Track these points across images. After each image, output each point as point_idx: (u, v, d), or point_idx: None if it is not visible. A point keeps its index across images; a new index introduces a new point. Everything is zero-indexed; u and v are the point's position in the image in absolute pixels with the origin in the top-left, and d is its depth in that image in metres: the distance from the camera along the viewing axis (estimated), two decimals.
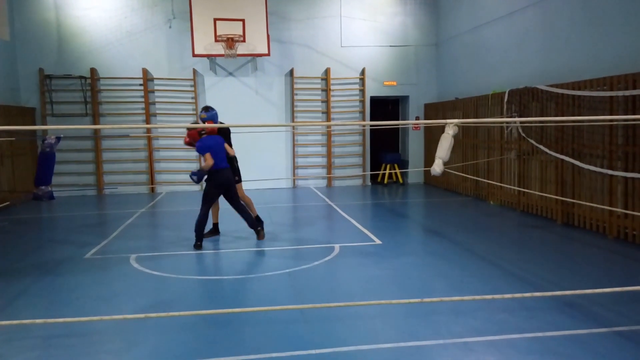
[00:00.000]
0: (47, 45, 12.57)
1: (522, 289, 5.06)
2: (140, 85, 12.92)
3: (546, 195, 8.04)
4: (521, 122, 9.00)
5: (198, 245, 6.98)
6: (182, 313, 4.30)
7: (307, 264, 6.13)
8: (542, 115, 8.64)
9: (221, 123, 7.72)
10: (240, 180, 7.60)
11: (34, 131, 11.83)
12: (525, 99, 9.08)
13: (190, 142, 7.17)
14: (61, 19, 12.61)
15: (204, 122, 7.32)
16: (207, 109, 7.31)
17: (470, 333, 4.02)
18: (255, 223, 7.32)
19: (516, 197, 9.56)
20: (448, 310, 4.48)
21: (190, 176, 6.96)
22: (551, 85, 8.33)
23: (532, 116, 8.88)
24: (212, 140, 7.05)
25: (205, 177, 7.03)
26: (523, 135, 9.07)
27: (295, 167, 13.73)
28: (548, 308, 4.49)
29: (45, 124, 12.40)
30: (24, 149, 11.90)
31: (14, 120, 11.31)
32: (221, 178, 6.97)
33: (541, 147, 8.52)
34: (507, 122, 9.43)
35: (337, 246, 6.90)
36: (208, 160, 6.87)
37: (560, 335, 3.95)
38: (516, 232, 7.96)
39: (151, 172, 13.08)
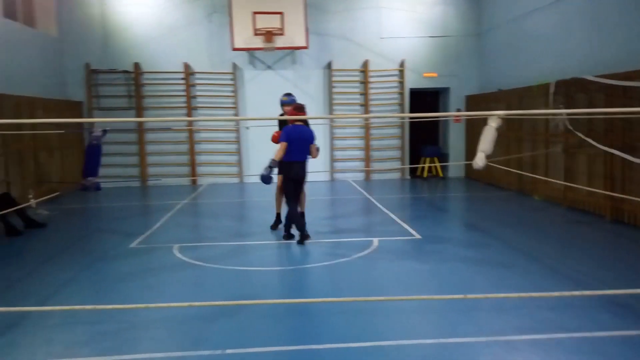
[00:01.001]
0: (92, 41, 12.96)
1: (567, 286, 4.90)
2: (182, 79, 13.16)
3: (594, 190, 7.73)
4: (568, 115, 8.68)
5: (289, 236, 6.85)
6: (223, 303, 4.37)
7: (346, 257, 6.12)
8: (590, 107, 8.31)
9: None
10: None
11: (82, 124, 12.23)
12: (572, 90, 8.75)
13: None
14: (106, 14, 12.96)
15: (282, 106, 7.25)
16: (289, 94, 7.35)
17: (513, 331, 3.93)
18: (289, 229, 6.93)
19: (562, 192, 9.26)
20: (489, 307, 4.39)
21: (261, 178, 6.47)
22: (600, 76, 7.99)
23: (579, 108, 8.56)
24: (297, 131, 6.64)
25: (273, 171, 6.50)
26: (570, 128, 8.75)
27: (333, 160, 13.71)
28: (595, 307, 4.33)
29: (92, 118, 12.81)
30: (72, 141, 12.33)
31: (63, 113, 11.74)
32: (291, 171, 6.65)
33: (589, 140, 8.20)
34: (553, 115, 9.12)
35: (375, 240, 6.86)
36: (279, 151, 6.45)
37: (610, 336, 3.81)
38: (562, 229, 7.72)
39: (192, 165, 13.33)
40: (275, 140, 7.27)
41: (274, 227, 7.59)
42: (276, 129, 7.50)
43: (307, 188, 7.68)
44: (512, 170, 9.97)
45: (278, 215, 7.66)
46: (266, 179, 6.41)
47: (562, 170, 9.22)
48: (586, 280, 5.10)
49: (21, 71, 10.53)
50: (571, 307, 4.35)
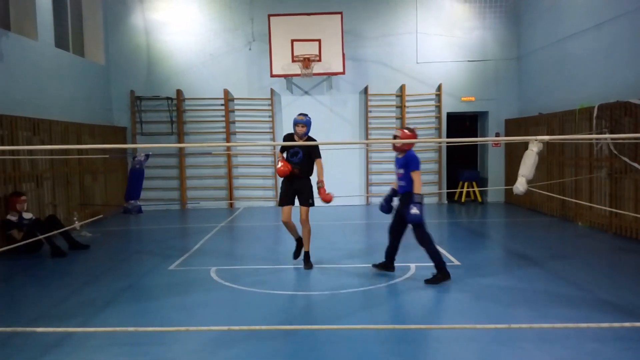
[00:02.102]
0: (138, 69, 13.47)
1: (616, 317, 4.67)
2: (222, 105, 13.47)
3: None
4: (612, 139, 8.43)
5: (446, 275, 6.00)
6: (261, 327, 4.37)
7: (383, 282, 6.04)
8: (636, 131, 8.05)
9: (311, 138, 7.07)
10: (313, 204, 6.71)
11: (125, 149, 12.65)
12: (616, 114, 8.51)
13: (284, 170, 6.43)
14: (151, 43, 13.48)
15: (296, 125, 6.60)
16: (305, 114, 6.74)
17: None
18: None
19: (608, 218, 8.93)
20: (534, 337, 4.24)
21: (413, 218, 5.88)
22: None
23: (624, 132, 8.30)
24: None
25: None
26: (615, 152, 8.49)
27: (368, 184, 13.67)
28: None
29: (135, 143, 13.23)
30: (116, 165, 12.75)
31: (108, 139, 12.18)
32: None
33: (635, 165, 7.92)
34: (596, 139, 8.87)
35: (412, 265, 6.76)
36: (418, 182, 5.82)
37: None
38: (608, 256, 7.42)
39: (230, 188, 13.54)
40: (283, 173, 6.53)
41: (297, 255, 7.00)
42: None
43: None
44: (554, 195, 9.70)
45: (307, 252, 6.87)
46: (420, 217, 5.91)
47: (607, 195, 8.91)
48: (636, 311, 4.86)
49: (70, 98, 11.02)
50: (620, 339, 4.15)
